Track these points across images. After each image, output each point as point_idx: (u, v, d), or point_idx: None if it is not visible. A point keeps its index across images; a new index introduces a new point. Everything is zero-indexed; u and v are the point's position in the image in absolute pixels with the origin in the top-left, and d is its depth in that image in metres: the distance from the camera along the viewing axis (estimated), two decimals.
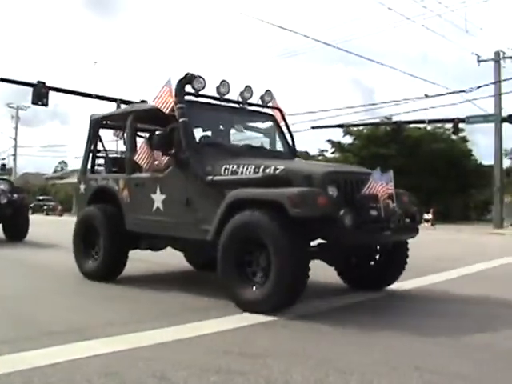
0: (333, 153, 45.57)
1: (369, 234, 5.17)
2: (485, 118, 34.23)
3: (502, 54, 33.43)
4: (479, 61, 34.19)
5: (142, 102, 22.49)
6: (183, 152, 5.69)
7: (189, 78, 5.87)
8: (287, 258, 4.73)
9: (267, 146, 6.82)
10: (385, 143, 36.67)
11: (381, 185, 5.27)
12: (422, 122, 34.85)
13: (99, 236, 6.64)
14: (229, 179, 5.39)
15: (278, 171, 5.21)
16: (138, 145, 6.65)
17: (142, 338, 4.04)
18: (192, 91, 5.99)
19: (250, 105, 6.59)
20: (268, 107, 6.81)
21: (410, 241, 5.98)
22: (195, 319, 4.65)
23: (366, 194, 5.19)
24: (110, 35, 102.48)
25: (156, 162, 6.31)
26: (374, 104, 45.20)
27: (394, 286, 6.31)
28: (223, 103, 6.33)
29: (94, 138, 7.31)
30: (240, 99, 6.47)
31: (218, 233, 5.30)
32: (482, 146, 76.82)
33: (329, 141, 44.03)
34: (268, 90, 6.72)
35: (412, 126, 36.07)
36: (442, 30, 63.51)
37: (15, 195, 12.53)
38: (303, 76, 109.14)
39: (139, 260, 7.53)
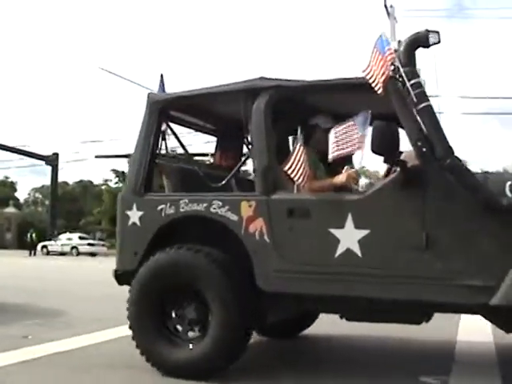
0: (116, 182, 44.66)
1: None
2: None
3: None
4: None
5: None
6: (442, 158, 3.38)
7: (424, 37, 3.59)
8: None
9: None
10: None
11: None
12: (206, 155, 35.31)
13: (202, 301, 3.69)
14: None
15: None
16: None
17: None
18: None
19: None
20: None
21: None
22: None
23: None
24: None
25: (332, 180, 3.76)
26: None
27: None
28: None
29: (155, 133, 4.15)
30: None
31: None
32: None
33: (113, 170, 43.60)
34: None
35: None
36: None
37: None
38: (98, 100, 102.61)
39: None
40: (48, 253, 37.99)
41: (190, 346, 3.73)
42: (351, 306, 3.69)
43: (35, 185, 65.57)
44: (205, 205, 3.85)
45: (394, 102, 3.51)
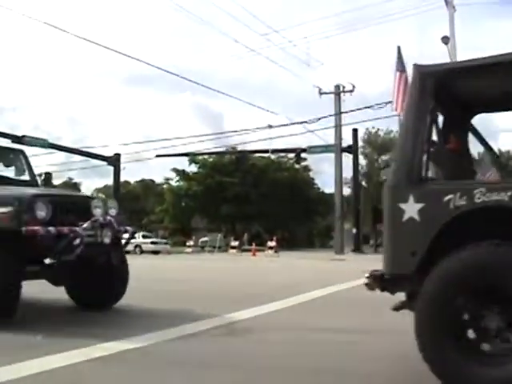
0: (177, 181, 44.25)
1: None
2: (325, 148, 34.59)
3: (341, 88, 34.19)
4: (321, 93, 34.53)
5: None
6: None
7: None
8: None
9: None
10: (230, 172, 36.01)
11: None
12: (266, 151, 34.45)
13: None
14: None
15: None
16: None
17: None
18: None
19: None
20: None
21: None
22: (24, 358, 4.14)
23: None
24: None
25: None
26: (221, 133, 43.89)
27: (232, 315, 6.20)
28: None
29: (431, 111, 3.58)
30: None
31: None
32: (327, 174, 72.18)
33: (174, 169, 43.14)
34: None
35: (257, 155, 35.82)
36: (285, 63, 66.19)
37: (127, 228, 6.80)
38: (150, 103, 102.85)
39: None
40: None
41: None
42: None
43: (98, 185, 66.23)
44: (509, 193, 3.22)
45: None
